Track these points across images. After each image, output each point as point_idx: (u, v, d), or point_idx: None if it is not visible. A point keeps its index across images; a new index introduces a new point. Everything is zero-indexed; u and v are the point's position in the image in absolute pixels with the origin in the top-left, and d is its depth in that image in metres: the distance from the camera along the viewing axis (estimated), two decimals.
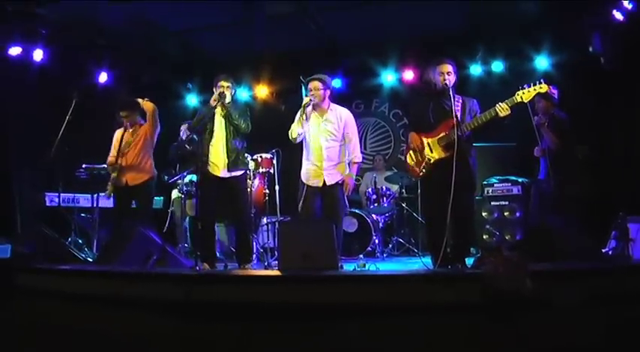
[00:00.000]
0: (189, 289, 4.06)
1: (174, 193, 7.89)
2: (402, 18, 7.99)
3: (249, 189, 6.63)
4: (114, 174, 6.44)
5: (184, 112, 9.89)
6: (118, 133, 6.68)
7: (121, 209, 6.54)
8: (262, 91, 9.36)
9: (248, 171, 6.54)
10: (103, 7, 7.22)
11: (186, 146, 7.60)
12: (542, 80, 5.18)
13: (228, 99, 5.91)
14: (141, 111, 6.59)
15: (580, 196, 6.06)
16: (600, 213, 6.10)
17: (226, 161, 5.89)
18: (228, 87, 5.95)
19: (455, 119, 4.96)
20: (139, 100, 6.59)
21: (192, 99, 10.09)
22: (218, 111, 5.93)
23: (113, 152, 6.56)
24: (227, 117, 5.93)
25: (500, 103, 4.93)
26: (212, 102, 5.86)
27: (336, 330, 3.59)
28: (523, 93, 4.96)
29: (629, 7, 6.78)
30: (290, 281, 4.08)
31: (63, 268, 5.11)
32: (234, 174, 5.93)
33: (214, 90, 5.94)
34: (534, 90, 4.96)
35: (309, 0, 7.63)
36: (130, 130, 6.57)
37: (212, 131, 5.92)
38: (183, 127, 7.68)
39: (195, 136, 7.13)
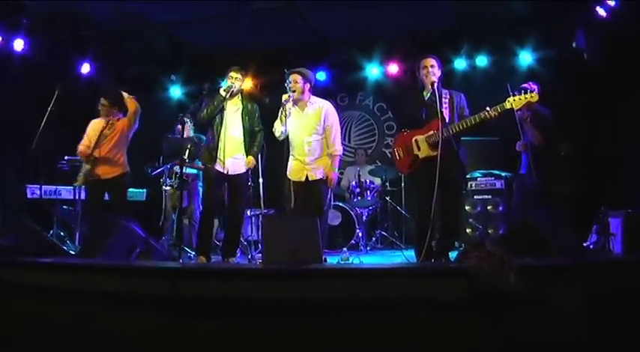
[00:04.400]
0: (174, 283, 4.05)
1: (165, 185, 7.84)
2: (389, 11, 7.98)
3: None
4: (87, 166, 6.39)
5: (169, 104, 9.84)
6: (93, 123, 6.62)
7: (94, 202, 6.49)
8: (247, 85, 9.31)
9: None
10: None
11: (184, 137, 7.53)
12: (531, 86, 5.23)
13: (236, 89, 5.90)
14: (122, 105, 6.54)
15: (562, 191, 6.11)
16: (584, 207, 6.17)
17: (239, 153, 5.89)
18: (237, 78, 5.92)
19: (441, 119, 4.96)
20: (125, 95, 6.53)
21: (176, 91, 10.03)
22: (231, 103, 5.91)
23: (85, 141, 6.51)
24: (243, 111, 5.94)
25: (489, 109, 4.93)
26: (222, 93, 5.83)
27: (320, 324, 3.59)
28: (514, 100, 4.96)
29: (612, 3, 6.83)
30: (274, 275, 4.07)
31: (45, 261, 5.06)
32: (241, 170, 5.92)
33: (225, 80, 5.93)
34: (525, 98, 4.96)
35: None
36: (107, 123, 6.51)
37: (222, 123, 5.86)
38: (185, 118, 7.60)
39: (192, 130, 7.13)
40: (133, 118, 6.52)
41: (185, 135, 7.17)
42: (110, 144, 6.43)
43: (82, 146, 6.51)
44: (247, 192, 6.39)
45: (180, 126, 7.43)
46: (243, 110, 5.93)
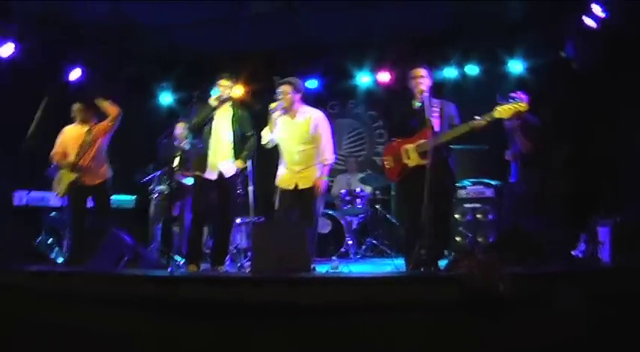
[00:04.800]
0: (163, 290, 4.04)
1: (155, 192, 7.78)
2: (380, 20, 8.01)
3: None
4: (72, 175, 6.34)
5: (159, 110, 9.80)
6: (67, 130, 6.58)
7: (78, 208, 6.42)
8: (237, 91, 9.30)
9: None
10: (81, 2, 7.14)
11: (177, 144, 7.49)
12: (520, 96, 5.25)
13: (226, 97, 5.86)
14: (96, 108, 6.51)
15: (549, 199, 6.13)
16: (574, 215, 6.19)
17: (229, 160, 5.84)
18: (227, 86, 5.88)
19: (430, 128, 4.96)
20: (102, 102, 6.49)
21: (166, 98, 10.00)
22: (221, 110, 5.88)
23: (59, 149, 6.47)
24: (233, 118, 5.90)
25: (477, 118, 4.93)
26: (213, 102, 5.80)
27: (309, 332, 3.59)
28: (502, 109, 4.92)
29: (602, 14, 6.88)
30: (263, 283, 4.07)
31: (33, 269, 5.03)
32: (231, 173, 5.88)
33: (215, 88, 5.86)
34: (514, 107, 4.94)
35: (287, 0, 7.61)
36: (85, 129, 6.47)
37: (211, 131, 5.83)
38: (179, 125, 7.56)
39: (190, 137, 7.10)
40: (114, 122, 6.49)
41: (178, 142, 7.17)
42: (93, 151, 6.40)
43: (57, 154, 6.47)
44: (236, 198, 6.36)
45: (178, 132, 7.42)
46: (233, 116, 5.90)
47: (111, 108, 6.49)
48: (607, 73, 6.95)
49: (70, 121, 6.66)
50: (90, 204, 6.46)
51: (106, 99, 6.51)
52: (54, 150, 6.49)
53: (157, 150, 7.62)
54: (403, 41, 8.31)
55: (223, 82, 5.86)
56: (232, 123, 5.88)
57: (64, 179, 6.39)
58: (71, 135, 6.50)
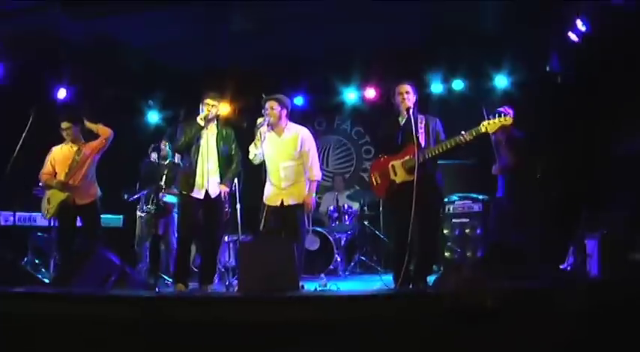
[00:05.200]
0: (150, 311, 4.00)
1: (139, 211, 7.75)
2: (365, 36, 8.06)
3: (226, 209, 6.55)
4: (62, 195, 6.30)
5: (146, 129, 9.78)
6: (56, 150, 6.55)
7: (67, 228, 6.40)
8: (223, 109, 9.29)
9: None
10: (63, 22, 7.13)
11: (161, 162, 7.49)
12: (507, 111, 5.29)
13: (213, 116, 5.82)
14: (82, 127, 6.49)
15: (537, 213, 6.15)
16: (559, 229, 6.20)
17: (215, 179, 5.81)
18: (214, 105, 5.84)
19: (416, 144, 4.98)
20: (92, 124, 6.48)
21: (153, 116, 9.99)
22: (208, 128, 5.84)
23: (48, 169, 6.44)
24: (218, 136, 5.88)
25: (464, 133, 4.96)
26: (199, 121, 5.76)
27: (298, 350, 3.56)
28: (488, 124, 4.96)
29: (583, 28, 6.96)
30: (250, 302, 4.04)
31: (18, 291, 4.96)
32: (217, 192, 5.84)
33: (201, 107, 5.83)
34: (499, 122, 4.96)
35: (270, 17, 7.64)
36: (74, 149, 6.46)
37: (198, 149, 5.79)
38: (163, 143, 7.56)
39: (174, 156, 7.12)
40: (104, 143, 6.49)
41: (162, 161, 7.17)
42: (82, 171, 6.39)
43: (46, 174, 6.43)
44: (224, 217, 6.34)
45: (155, 154, 7.43)
46: (218, 135, 5.88)
47: (102, 129, 6.49)
48: (589, 84, 7.03)
49: (57, 141, 6.63)
50: (79, 223, 6.43)
51: (96, 122, 6.50)
52: (43, 170, 6.45)
53: (140, 170, 7.61)
54: (386, 57, 8.36)
55: (209, 101, 5.82)
56: (217, 142, 5.86)
57: (54, 199, 6.35)
58: (60, 155, 6.48)
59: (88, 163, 6.43)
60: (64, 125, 6.47)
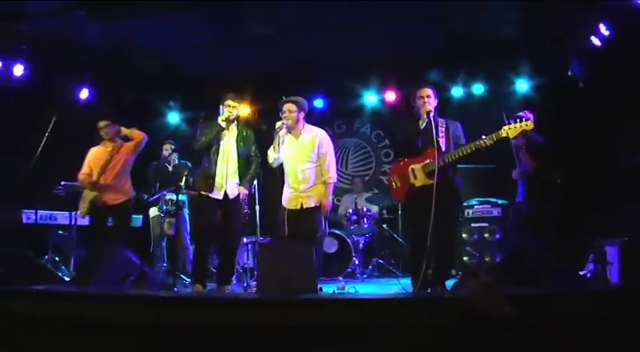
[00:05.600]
0: (166, 311, 4.02)
1: (153, 212, 7.79)
2: (384, 40, 8.05)
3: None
4: (92, 194, 6.37)
5: (164, 131, 9.84)
6: (93, 151, 6.62)
7: (98, 228, 6.48)
8: (243, 111, 9.33)
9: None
10: (83, 24, 7.19)
11: (167, 166, 7.59)
12: (527, 115, 5.25)
13: (234, 117, 5.86)
14: (118, 129, 6.55)
15: (557, 219, 6.10)
16: (578, 235, 6.15)
17: (234, 180, 5.84)
18: (234, 107, 5.87)
19: (437, 148, 4.95)
20: (125, 129, 6.56)
21: (173, 117, 10.06)
22: (229, 130, 5.88)
23: (86, 169, 6.51)
24: (238, 138, 5.91)
25: (484, 138, 4.94)
26: (221, 122, 5.79)
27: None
28: (509, 128, 4.93)
29: (606, 33, 6.90)
30: (268, 304, 4.05)
31: (38, 289, 5.02)
32: (236, 193, 5.87)
33: (222, 108, 5.87)
34: (521, 126, 4.94)
35: (291, 21, 7.66)
36: (109, 149, 6.52)
37: (218, 150, 5.82)
38: (166, 146, 7.67)
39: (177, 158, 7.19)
40: (139, 146, 6.57)
41: (170, 163, 7.25)
42: (115, 170, 6.45)
43: (83, 174, 6.50)
44: (242, 218, 6.36)
45: (165, 153, 7.49)
46: (238, 136, 5.91)
47: (136, 133, 6.58)
48: (608, 96, 6.97)
49: (80, 141, 6.73)
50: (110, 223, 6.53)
51: (128, 127, 6.58)
52: (81, 171, 6.54)
53: (147, 172, 7.68)
54: (406, 61, 8.35)
55: (230, 102, 5.85)
56: (237, 143, 5.89)
57: (87, 198, 6.43)
58: (95, 155, 6.57)
59: (121, 164, 6.49)
60: (102, 124, 6.55)
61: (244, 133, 5.98)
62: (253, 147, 6.01)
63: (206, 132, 5.83)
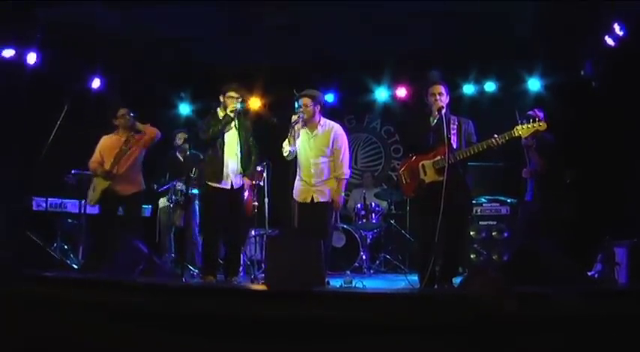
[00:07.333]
0: (175, 301, 4.04)
1: (162, 202, 7.82)
2: (397, 36, 8.04)
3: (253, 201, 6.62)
4: (104, 183, 6.40)
5: (177, 120, 9.85)
6: (105, 139, 6.63)
7: (108, 217, 6.49)
8: (255, 103, 9.35)
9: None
10: (100, 12, 7.21)
11: (178, 155, 7.61)
12: (536, 113, 5.24)
13: (242, 109, 5.93)
14: (134, 120, 6.57)
15: (566, 219, 6.09)
16: (588, 234, 6.15)
17: (239, 171, 5.88)
18: (237, 98, 5.87)
19: (447, 145, 4.94)
20: (140, 124, 6.56)
21: (185, 108, 10.07)
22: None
23: (97, 157, 6.52)
24: (240, 128, 5.92)
25: (496, 136, 4.93)
26: (230, 113, 5.81)
27: (320, 347, 3.58)
28: (522, 128, 4.91)
29: (620, 32, 6.86)
30: (276, 296, 4.06)
31: (46, 275, 5.05)
32: (240, 184, 5.92)
33: (225, 99, 5.87)
34: (534, 127, 4.92)
35: (304, 13, 7.65)
36: (122, 138, 6.53)
37: (224, 141, 5.85)
38: (179, 135, 7.66)
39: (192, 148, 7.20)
40: (152, 141, 6.59)
41: (183, 151, 7.27)
42: (129, 161, 6.47)
43: (94, 162, 6.51)
44: (251, 210, 6.39)
45: (179, 141, 7.50)
46: (240, 128, 5.93)
47: (150, 129, 6.59)
48: (621, 96, 6.93)
49: (91, 129, 6.75)
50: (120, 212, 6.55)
51: (143, 122, 6.59)
52: (92, 159, 6.55)
53: (162, 161, 7.68)
54: (418, 57, 8.34)
55: (232, 94, 5.86)
56: (239, 134, 5.92)
57: (98, 187, 6.45)
58: (109, 144, 6.57)
59: (135, 155, 6.51)
60: (122, 111, 6.55)
61: (246, 125, 6.00)
62: (251, 138, 6.03)
63: (213, 124, 5.84)
